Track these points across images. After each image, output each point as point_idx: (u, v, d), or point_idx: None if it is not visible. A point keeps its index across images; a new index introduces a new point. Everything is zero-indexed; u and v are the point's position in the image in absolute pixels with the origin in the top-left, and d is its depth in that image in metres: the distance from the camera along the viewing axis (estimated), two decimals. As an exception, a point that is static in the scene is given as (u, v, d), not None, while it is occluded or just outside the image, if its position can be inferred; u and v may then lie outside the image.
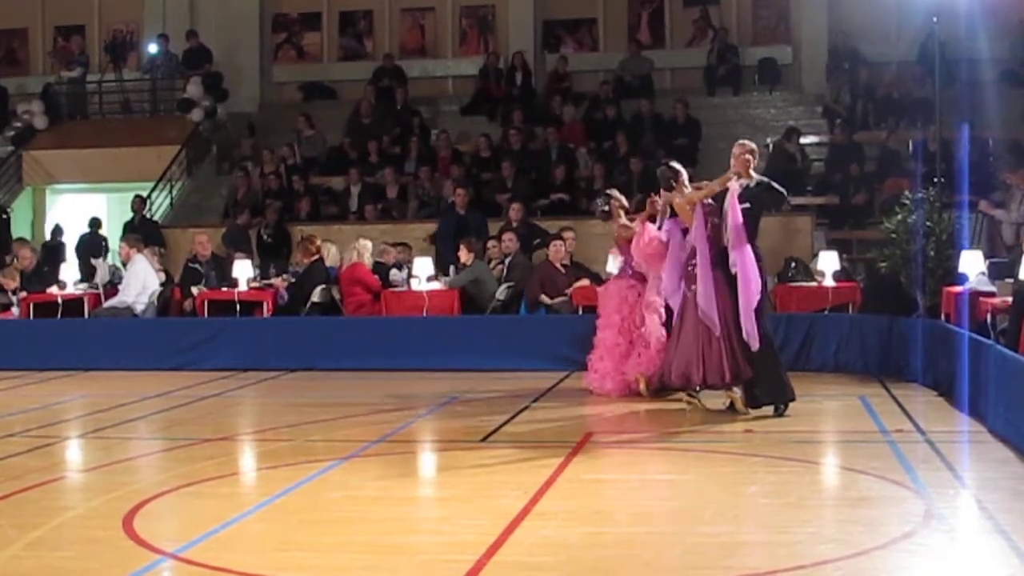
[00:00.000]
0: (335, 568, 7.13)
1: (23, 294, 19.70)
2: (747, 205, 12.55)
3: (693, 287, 12.71)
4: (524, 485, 9.22)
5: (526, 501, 8.70)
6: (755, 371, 12.53)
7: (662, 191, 13.56)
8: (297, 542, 7.86)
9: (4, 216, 25.16)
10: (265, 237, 22.66)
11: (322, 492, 9.54)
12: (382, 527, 8.27)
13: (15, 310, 19.64)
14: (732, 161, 12.78)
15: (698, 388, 12.96)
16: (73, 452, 11.99)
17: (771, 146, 23.12)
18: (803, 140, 23.55)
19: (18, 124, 28.18)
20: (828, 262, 18.07)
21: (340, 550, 7.62)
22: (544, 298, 18.10)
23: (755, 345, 12.39)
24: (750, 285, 12.43)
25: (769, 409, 12.61)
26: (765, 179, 12.85)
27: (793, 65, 27.07)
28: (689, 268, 12.82)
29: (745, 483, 9.55)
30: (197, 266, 19.90)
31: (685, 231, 13.02)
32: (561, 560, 7.27)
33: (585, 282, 18.16)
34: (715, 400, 13.08)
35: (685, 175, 13.36)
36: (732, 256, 12.47)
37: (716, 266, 12.55)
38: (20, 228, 25.85)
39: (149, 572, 7.15)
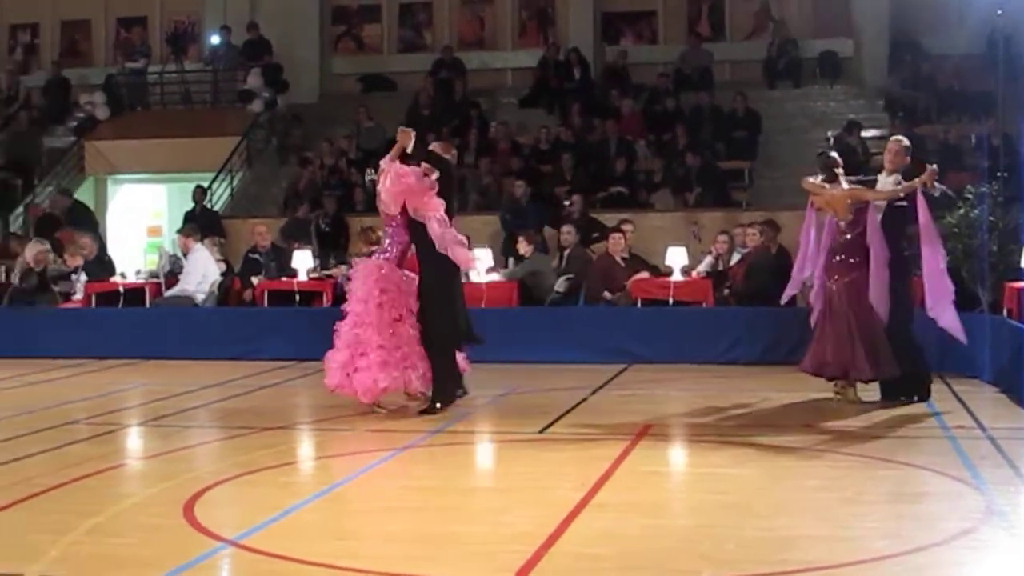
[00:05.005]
0: (392, 558, 7.14)
1: (84, 278, 19.86)
2: (903, 203, 12.66)
3: (836, 279, 12.68)
4: (582, 477, 9.21)
5: (584, 493, 8.69)
6: (902, 367, 12.55)
7: (808, 179, 13.27)
8: (354, 531, 7.91)
9: (71, 203, 25.32)
10: (324, 228, 22.71)
11: (379, 482, 9.59)
12: (439, 517, 8.29)
13: (78, 296, 19.80)
14: (890, 157, 12.85)
15: (847, 381, 12.90)
16: (133, 440, 12.07)
17: (831, 139, 22.97)
18: (864, 134, 23.39)
19: (80, 115, 28.38)
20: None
21: (397, 540, 7.65)
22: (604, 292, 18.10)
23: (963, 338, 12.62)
24: (946, 281, 12.62)
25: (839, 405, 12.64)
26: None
27: (854, 58, 26.87)
28: (835, 260, 12.77)
29: (803, 477, 9.52)
30: (257, 256, 19.99)
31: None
32: (617, 551, 7.26)
33: (644, 275, 18.16)
34: (867, 393, 13.05)
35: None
36: (925, 252, 12.49)
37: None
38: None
39: (209, 559, 7.18)
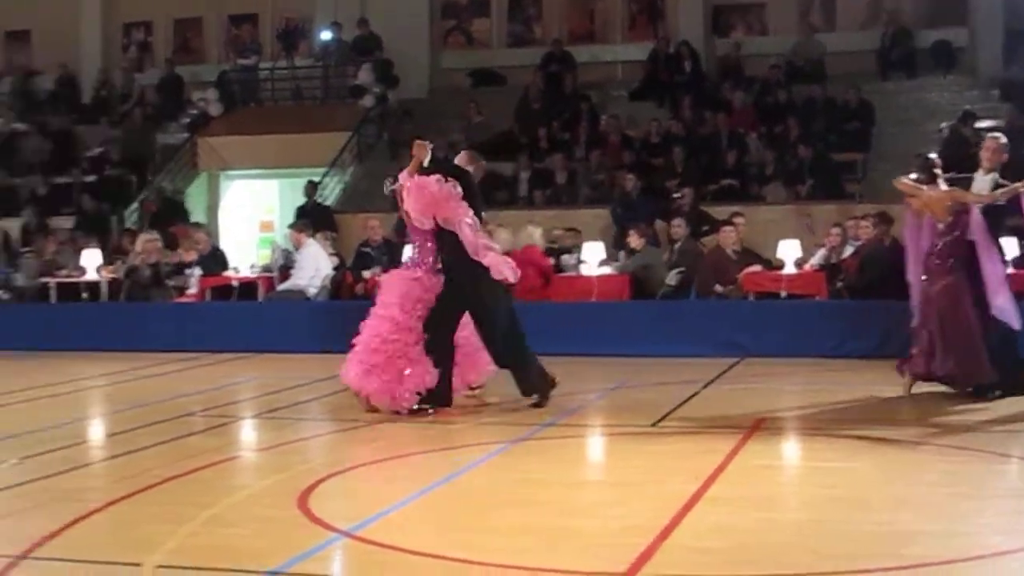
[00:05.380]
0: (505, 550, 7.14)
1: (198, 272, 20.10)
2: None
3: (934, 281, 12.55)
4: (695, 470, 9.17)
5: (697, 486, 8.65)
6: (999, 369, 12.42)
7: (902, 179, 13.10)
8: (467, 524, 7.92)
9: (178, 199, 25.66)
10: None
11: (491, 475, 9.60)
12: (551, 510, 8.28)
13: (192, 290, 20.05)
14: (987, 155, 12.73)
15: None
16: (247, 432, 12.20)
17: (946, 131, 22.69)
18: (978, 124, 23.06)
19: (193, 111, 28.72)
20: (1009, 248, 17.69)
21: (509, 533, 7.64)
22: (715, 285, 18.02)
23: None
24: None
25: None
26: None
27: (968, 48, 26.50)
28: (934, 263, 12.63)
29: (917, 472, 9.42)
30: (369, 250, 20.10)
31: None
32: (731, 545, 7.23)
33: (756, 268, 18.05)
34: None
35: None
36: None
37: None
38: (195, 213, 26.29)
39: (323, 550, 7.24)
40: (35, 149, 28.48)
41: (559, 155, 24.33)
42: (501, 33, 29.78)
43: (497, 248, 12.65)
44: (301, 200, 24.28)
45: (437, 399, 12.25)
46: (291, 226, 20.77)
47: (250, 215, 28.80)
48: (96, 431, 12.66)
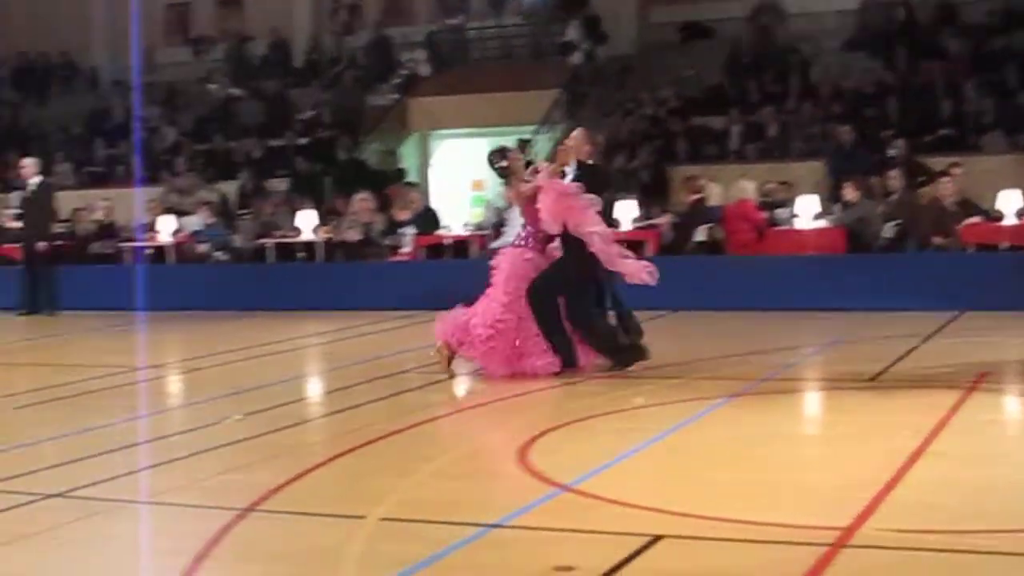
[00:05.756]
0: (724, 504, 7.07)
1: (413, 231, 20.30)
2: None
3: None
4: (917, 425, 9.00)
5: (919, 441, 8.48)
6: None
7: None
8: (686, 478, 7.89)
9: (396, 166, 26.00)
10: (644, 178, 22.73)
11: (710, 429, 9.55)
12: (771, 465, 8.23)
13: (406, 249, 20.26)
14: None
15: None
16: (465, 388, 12.27)
17: None
18: None
19: (403, 72, 28.99)
20: None
21: (729, 487, 7.60)
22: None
23: None
24: None
25: None
26: None
27: None
28: None
29: None
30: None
31: None
32: (956, 501, 7.09)
33: (975, 219, 17.63)
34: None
35: None
36: None
37: None
38: (407, 173, 26.54)
39: (545, 503, 7.26)
40: (250, 113, 29.07)
41: (770, 108, 24.07)
42: (710, -15, 29.51)
43: (631, 254, 12.44)
44: (511, 158, 24.29)
45: (566, 362, 12.18)
46: (504, 183, 20.82)
47: (461, 174, 28.96)
48: (316, 388, 12.88)
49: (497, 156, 12.64)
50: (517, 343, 12.11)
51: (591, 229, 11.99)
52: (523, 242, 12.38)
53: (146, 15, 32.43)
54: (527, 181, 12.33)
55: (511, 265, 12.26)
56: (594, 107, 27.03)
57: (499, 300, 12.17)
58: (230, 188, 25.58)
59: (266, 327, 17.25)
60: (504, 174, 12.64)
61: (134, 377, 13.13)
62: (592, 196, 12.01)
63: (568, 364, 12.08)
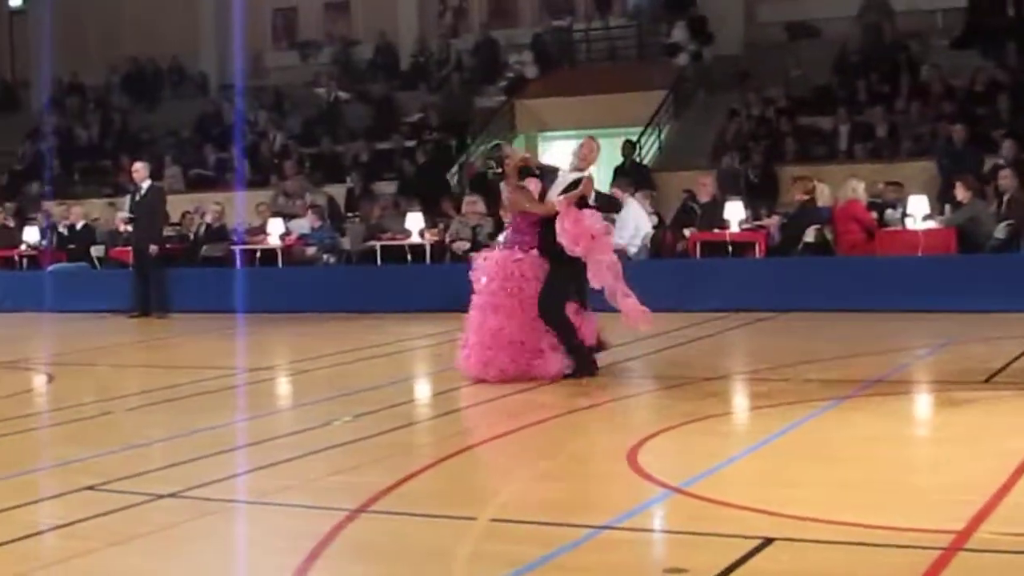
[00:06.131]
0: (835, 506, 7.00)
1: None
2: None
3: None
4: (1033, 426, 8.89)
5: (1036, 443, 8.36)
6: None
7: None
8: (795, 480, 7.81)
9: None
10: (752, 178, 22.62)
11: (819, 431, 9.46)
12: (881, 466, 8.12)
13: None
14: None
15: None
16: (573, 390, 12.19)
17: None
18: None
19: (510, 74, 29.04)
20: None
21: (839, 488, 7.52)
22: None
23: None
24: None
25: None
26: None
27: None
28: None
29: None
30: (694, 206, 20.05)
31: None
32: (1077, 505, 6.97)
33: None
34: None
35: None
36: None
37: None
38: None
39: (655, 505, 7.24)
40: (357, 116, 29.23)
41: (879, 107, 23.83)
42: (816, -16, 29.28)
43: (632, 295, 12.27)
44: (618, 159, 24.32)
45: (582, 369, 12.13)
46: (613, 184, 20.83)
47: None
48: (423, 390, 12.90)
49: (494, 159, 12.63)
50: (523, 342, 12.05)
51: (602, 258, 12.01)
52: (510, 244, 12.33)
53: (254, 20, 32.82)
54: (520, 185, 12.26)
55: (498, 266, 12.15)
56: (700, 108, 26.93)
57: (496, 306, 12.08)
58: (338, 191, 25.72)
59: (374, 329, 17.34)
60: (498, 176, 12.50)
61: (244, 379, 13.25)
62: (608, 224, 12.20)
63: (582, 370, 12.07)
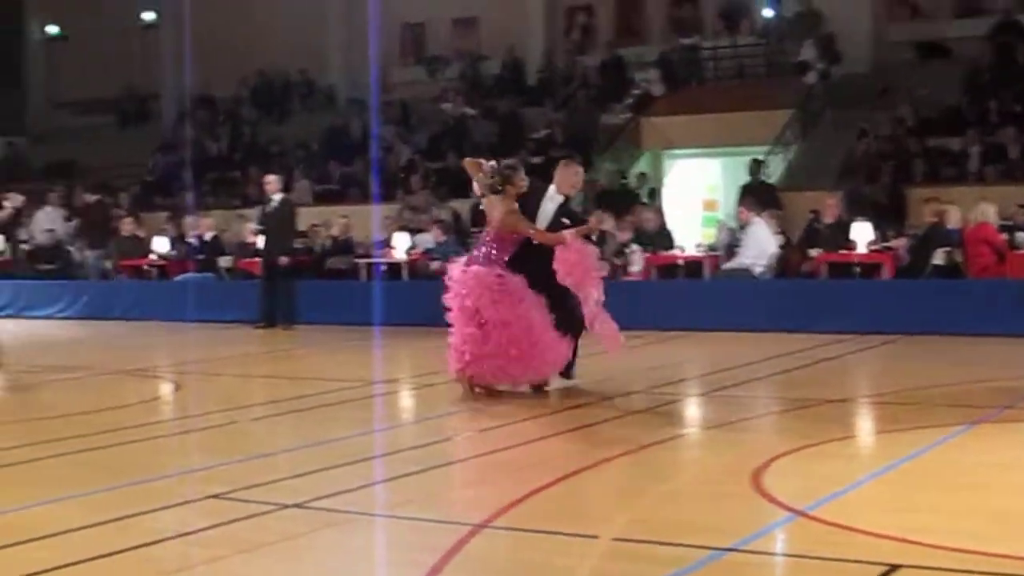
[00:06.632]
0: (965, 534, 6.88)
1: (637, 248, 20.29)
2: None
3: None
4: None
5: None
6: None
7: None
8: (924, 506, 7.69)
9: (624, 181, 25.96)
10: (881, 199, 22.39)
11: (947, 457, 9.30)
12: (1012, 495, 7.95)
13: (635, 268, 20.22)
14: None
15: None
16: (696, 409, 12.20)
17: None
18: None
19: (636, 92, 28.99)
20: None
21: (969, 515, 7.39)
22: None
23: None
24: None
25: None
26: None
27: None
28: None
29: None
30: (820, 227, 19.90)
31: None
32: None
33: None
34: None
35: None
36: None
37: None
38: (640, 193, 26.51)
39: (779, 528, 7.17)
40: (483, 132, 29.33)
41: (1011, 128, 23.50)
42: (947, 3, 28.93)
43: (611, 322, 12.30)
44: (743, 178, 24.21)
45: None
46: (739, 203, 20.75)
47: (693, 194, 28.86)
48: (543, 405, 12.85)
49: (503, 176, 12.52)
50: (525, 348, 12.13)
51: (592, 291, 12.11)
52: (486, 260, 12.31)
53: (383, 35, 33.13)
54: (515, 210, 12.33)
55: (481, 286, 12.18)
56: (828, 127, 26.71)
57: (480, 320, 12.19)
58: (463, 206, 25.81)
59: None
60: (497, 192, 12.46)
61: (368, 391, 13.33)
62: (602, 263, 12.57)
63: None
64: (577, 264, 12.07)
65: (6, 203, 13.39)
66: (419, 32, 34.91)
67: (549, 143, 27.95)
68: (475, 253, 12.52)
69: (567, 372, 12.75)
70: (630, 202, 23.85)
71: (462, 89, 31.50)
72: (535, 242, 12.26)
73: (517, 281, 12.18)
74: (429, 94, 32.10)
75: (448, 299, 12.44)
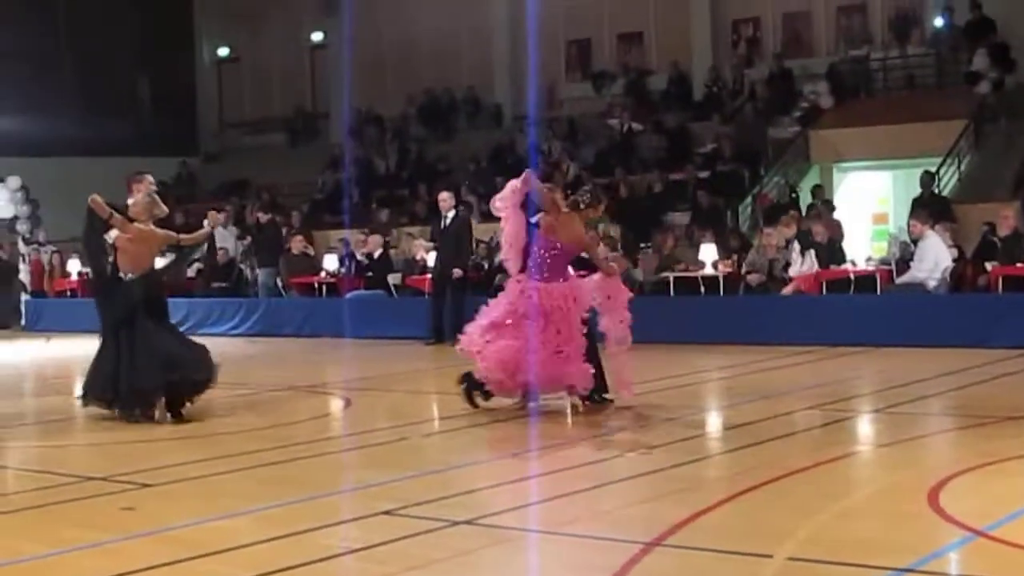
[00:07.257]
0: None
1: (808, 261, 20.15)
2: None
3: None
4: None
5: None
6: None
7: None
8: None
9: (793, 195, 25.73)
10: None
11: None
12: None
13: (795, 269, 20.09)
14: None
15: None
16: (869, 426, 12.02)
17: None
18: None
19: (804, 104, 28.73)
20: None
21: None
22: None
23: None
24: None
25: None
26: None
27: None
28: None
29: None
30: (995, 240, 19.51)
31: None
32: None
33: None
34: None
35: None
36: None
37: None
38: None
39: (958, 549, 7.03)
40: (651, 147, 29.25)
41: None
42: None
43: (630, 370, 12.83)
44: (914, 190, 23.85)
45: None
46: (912, 215, 20.43)
47: (863, 207, 28.49)
48: (716, 422, 12.78)
49: (593, 195, 12.79)
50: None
51: (623, 316, 12.61)
52: (538, 273, 12.40)
53: (548, 51, 33.30)
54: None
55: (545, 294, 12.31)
56: (1002, 137, 26.18)
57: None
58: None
59: (672, 359, 17.24)
60: (580, 210, 12.55)
61: (538, 407, 13.31)
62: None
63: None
64: (616, 296, 12.55)
65: (206, 222, 13.70)
66: (585, 48, 34.95)
67: (716, 157, 27.81)
68: (541, 267, 12.46)
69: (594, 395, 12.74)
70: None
71: (628, 104, 31.43)
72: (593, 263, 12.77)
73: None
74: (595, 109, 32.12)
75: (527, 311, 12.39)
